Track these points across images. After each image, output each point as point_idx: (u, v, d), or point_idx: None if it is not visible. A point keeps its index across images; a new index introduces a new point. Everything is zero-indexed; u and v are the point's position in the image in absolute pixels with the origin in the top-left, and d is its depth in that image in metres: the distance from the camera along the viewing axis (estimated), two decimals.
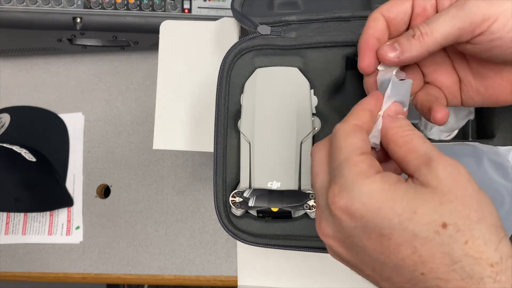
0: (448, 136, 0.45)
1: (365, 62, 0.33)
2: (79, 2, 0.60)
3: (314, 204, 0.40)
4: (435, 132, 0.44)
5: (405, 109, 0.31)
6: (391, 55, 0.31)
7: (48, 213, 0.69)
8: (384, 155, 0.29)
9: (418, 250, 0.22)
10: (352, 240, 0.25)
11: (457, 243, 0.22)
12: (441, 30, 0.29)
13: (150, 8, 0.60)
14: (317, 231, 0.28)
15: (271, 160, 0.41)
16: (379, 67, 0.32)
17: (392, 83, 0.30)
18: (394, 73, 0.32)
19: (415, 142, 0.26)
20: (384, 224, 0.23)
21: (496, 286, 0.21)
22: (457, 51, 0.35)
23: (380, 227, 0.23)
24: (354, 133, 0.27)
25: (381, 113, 0.30)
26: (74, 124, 0.70)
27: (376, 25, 0.32)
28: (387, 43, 0.32)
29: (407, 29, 0.33)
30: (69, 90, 0.71)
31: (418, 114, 0.44)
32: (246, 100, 0.43)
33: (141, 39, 0.64)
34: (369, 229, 0.24)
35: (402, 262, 0.23)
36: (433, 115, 0.32)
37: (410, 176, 0.26)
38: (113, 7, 0.60)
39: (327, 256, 0.48)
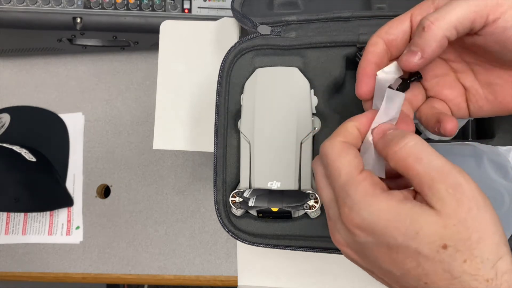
0: None
1: (362, 88, 0.32)
2: (79, 2, 0.60)
3: (314, 204, 0.40)
4: None
5: (394, 122, 0.31)
6: (415, 59, 0.29)
7: (48, 213, 0.69)
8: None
9: (421, 264, 0.24)
10: (364, 250, 0.27)
11: (456, 261, 0.24)
12: (455, 12, 0.28)
13: (150, 8, 0.60)
14: (332, 240, 0.30)
15: (271, 160, 0.41)
16: (378, 73, 0.31)
17: (386, 97, 0.30)
18: (390, 84, 0.31)
19: (410, 160, 0.26)
20: (391, 241, 0.25)
21: None
22: (460, 60, 0.34)
23: (387, 243, 0.25)
24: (345, 151, 0.28)
25: (370, 131, 0.31)
26: (74, 124, 0.70)
27: (374, 49, 0.32)
28: (404, 51, 0.30)
29: None
30: (69, 90, 0.71)
31: None
32: (246, 100, 0.43)
33: (141, 39, 0.64)
34: (378, 243, 0.26)
35: (407, 272, 0.25)
36: (444, 126, 0.31)
37: (417, 192, 0.26)
38: (113, 7, 0.60)
39: (327, 256, 0.49)
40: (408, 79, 0.34)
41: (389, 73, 0.31)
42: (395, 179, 0.31)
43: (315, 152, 0.43)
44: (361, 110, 0.33)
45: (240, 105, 0.43)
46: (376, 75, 0.31)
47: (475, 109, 0.35)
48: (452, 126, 0.31)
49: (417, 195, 0.27)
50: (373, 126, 0.31)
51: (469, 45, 0.31)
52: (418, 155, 0.26)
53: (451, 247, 0.24)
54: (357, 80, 0.32)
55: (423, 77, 0.34)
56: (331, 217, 0.29)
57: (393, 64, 0.31)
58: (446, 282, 0.24)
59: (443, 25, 0.28)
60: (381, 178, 0.29)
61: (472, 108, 0.35)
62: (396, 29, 0.32)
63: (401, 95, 0.30)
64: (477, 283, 0.24)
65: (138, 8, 0.60)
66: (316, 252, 0.42)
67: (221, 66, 0.44)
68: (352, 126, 0.30)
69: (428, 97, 0.36)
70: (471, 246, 0.24)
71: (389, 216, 0.25)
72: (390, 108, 0.31)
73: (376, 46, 0.32)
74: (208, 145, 0.49)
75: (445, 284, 0.24)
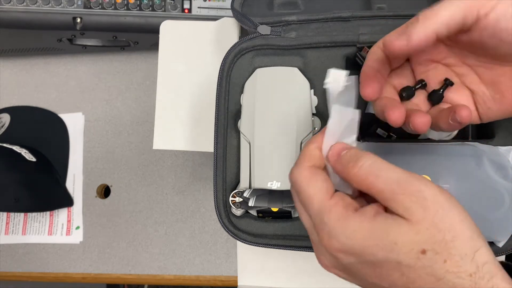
0: (448, 136, 0.45)
1: (365, 89, 0.33)
2: (79, 2, 0.60)
3: None
4: (435, 132, 0.44)
5: (353, 138, 0.30)
6: (399, 41, 0.30)
7: (48, 213, 0.69)
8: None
9: (405, 274, 0.25)
10: (350, 269, 0.28)
11: (437, 263, 0.24)
12: (447, 10, 0.29)
13: (150, 8, 0.60)
14: (318, 262, 0.30)
15: (271, 160, 0.41)
16: (326, 81, 0.29)
17: (333, 112, 0.29)
18: (336, 98, 0.29)
19: (370, 179, 0.27)
20: (372, 258, 0.26)
21: None
22: (462, 64, 0.34)
23: (370, 260, 0.26)
24: (314, 177, 0.29)
25: (324, 154, 0.30)
26: (74, 124, 0.70)
27: (374, 56, 0.34)
28: (392, 35, 0.31)
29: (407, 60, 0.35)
30: (69, 90, 0.71)
31: None
32: (246, 100, 0.43)
33: (141, 39, 0.64)
34: (361, 262, 0.26)
35: (394, 284, 0.26)
36: (459, 113, 0.31)
37: (385, 207, 0.27)
38: (113, 7, 0.60)
39: None
40: (414, 86, 0.35)
41: (339, 77, 0.29)
42: (364, 195, 0.31)
43: None
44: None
45: (240, 105, 0.43)
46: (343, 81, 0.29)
47: (484, 111, 0.35)
48: (467, 112, 0.31)
49: (387, 208, 0.27)
50: (324, 149, 0.30)
51: (466, 44, 0.32)
52: (376, 173, 0.26)
53: (430, 251, 0.24)
54: (360, 83, 0.33)
55: (428, 83, 0.36)
56: (314, 242, 0.30)
57: (345, 72, 0.29)
58: (432, 285, 0.24)
59: (435, 20, 0.29)
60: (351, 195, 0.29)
61: (481, 111, 0.35)
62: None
63: (355, 113, 0.29)
64: (461, 280, 0.24)
65: (138, 8, 0.60)
66: None
67: (221, 66, 0.44)
68: (314, 149, 0.30)
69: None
70: (447, 246, 0.24)
71: (365, 235, 0.26)
72: (338, 126, 0.29)
73: (375, 54, 0.34)
74: (208, 145, 0.49)
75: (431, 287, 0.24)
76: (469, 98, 0.35)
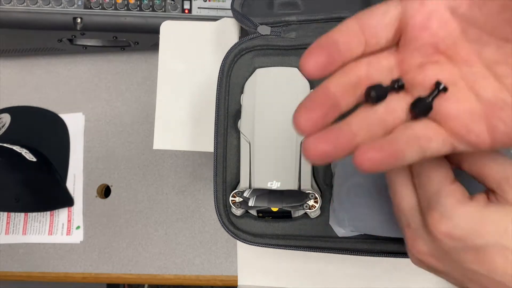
0: None
1: (309, 61, 0.24)
2: (80, 3, 0.60)
3: (314, 204, 0.40)
4: None
5: None
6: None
7: (48, 213, 0.69)
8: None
9: (509, 259, 0.26)
10: (450, 255, 0.28)
11: None
12: None
13: (150, 9, 0.60)
14: (411, 250, 0.30)
15: (271, 160, 0.41)
16: None
17: None
18: None
19: (487, 159, 0.28)
20: (481, 242, 0.26)
21: None
22: (477, 59, 0.23)
23: (477, 245, 0.26)
24: (440, 162, 0.29)
25: None
26: (75, 124, 0.70)
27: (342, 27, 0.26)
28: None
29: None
30: (69, 90, 0.71)
31: None
32: (246, 100, 0.43)
33: (141, 39, 0.64)
34: (467, 247, 0.27)
35: (494, 269, 0.27)
36: (356, 155, 0.23)
37: (492, 191, 0.28)
38: (113, 7, 0.60)
39: (327, 256, 0.49)
40: (389, 86, 0.25)
41: None
42: None
43: None
44: None
45: (240, 105, 0.43)
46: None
47: (506, 129, 0.23)
48: (371, 156, 0.23)
49: (490, 195, 0.28)
50: None
51: (488, 16, 0.22)
52: (493, 156, 0.28)
53: None
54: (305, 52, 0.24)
55: (421, 84, 0.24)
56: (412, 226, 0.30)
57: None
58: None
59: None
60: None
61: (502, 128, 0.23)
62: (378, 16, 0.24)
63: None
64: None
65: (138, 8, 0.60)
66: (316, 252, 0.42)
67: (221, 66, 0.44)
68: None
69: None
70: None
71: (479, 220, 0.27)
72: None
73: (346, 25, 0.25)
74: (208, 145, 0.49)
75: None
76: (473, 110, 0.24)
